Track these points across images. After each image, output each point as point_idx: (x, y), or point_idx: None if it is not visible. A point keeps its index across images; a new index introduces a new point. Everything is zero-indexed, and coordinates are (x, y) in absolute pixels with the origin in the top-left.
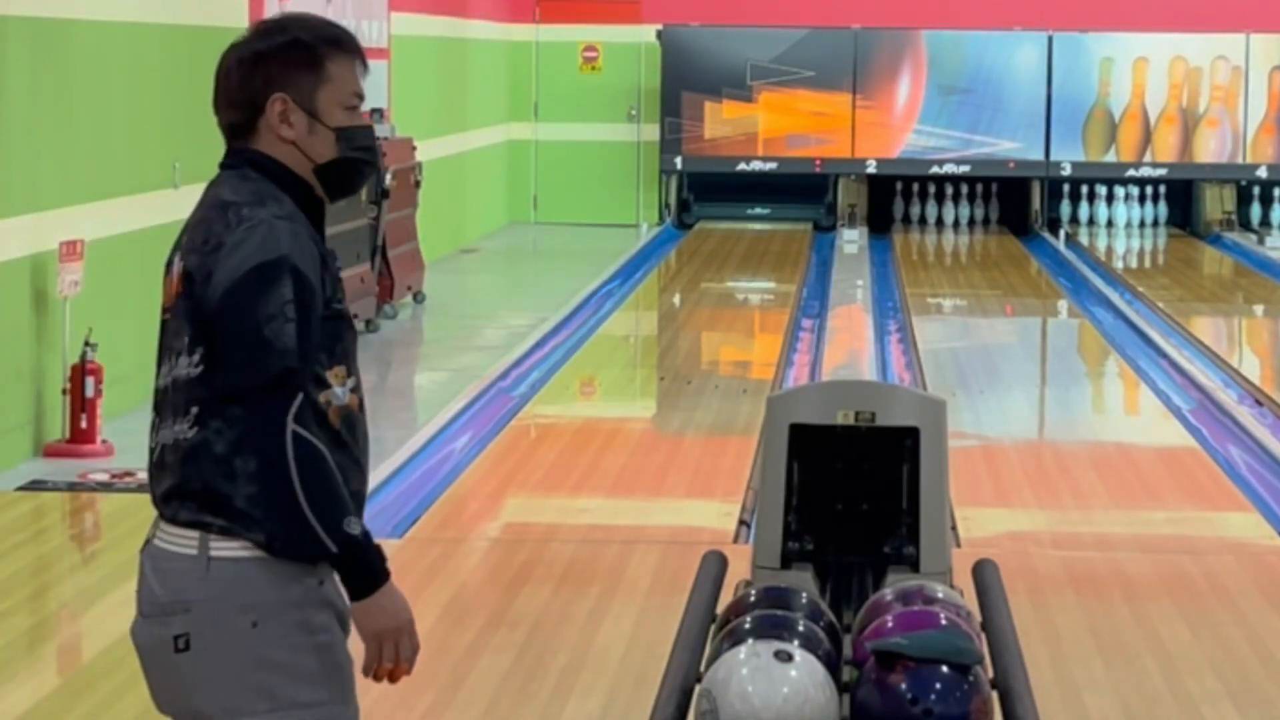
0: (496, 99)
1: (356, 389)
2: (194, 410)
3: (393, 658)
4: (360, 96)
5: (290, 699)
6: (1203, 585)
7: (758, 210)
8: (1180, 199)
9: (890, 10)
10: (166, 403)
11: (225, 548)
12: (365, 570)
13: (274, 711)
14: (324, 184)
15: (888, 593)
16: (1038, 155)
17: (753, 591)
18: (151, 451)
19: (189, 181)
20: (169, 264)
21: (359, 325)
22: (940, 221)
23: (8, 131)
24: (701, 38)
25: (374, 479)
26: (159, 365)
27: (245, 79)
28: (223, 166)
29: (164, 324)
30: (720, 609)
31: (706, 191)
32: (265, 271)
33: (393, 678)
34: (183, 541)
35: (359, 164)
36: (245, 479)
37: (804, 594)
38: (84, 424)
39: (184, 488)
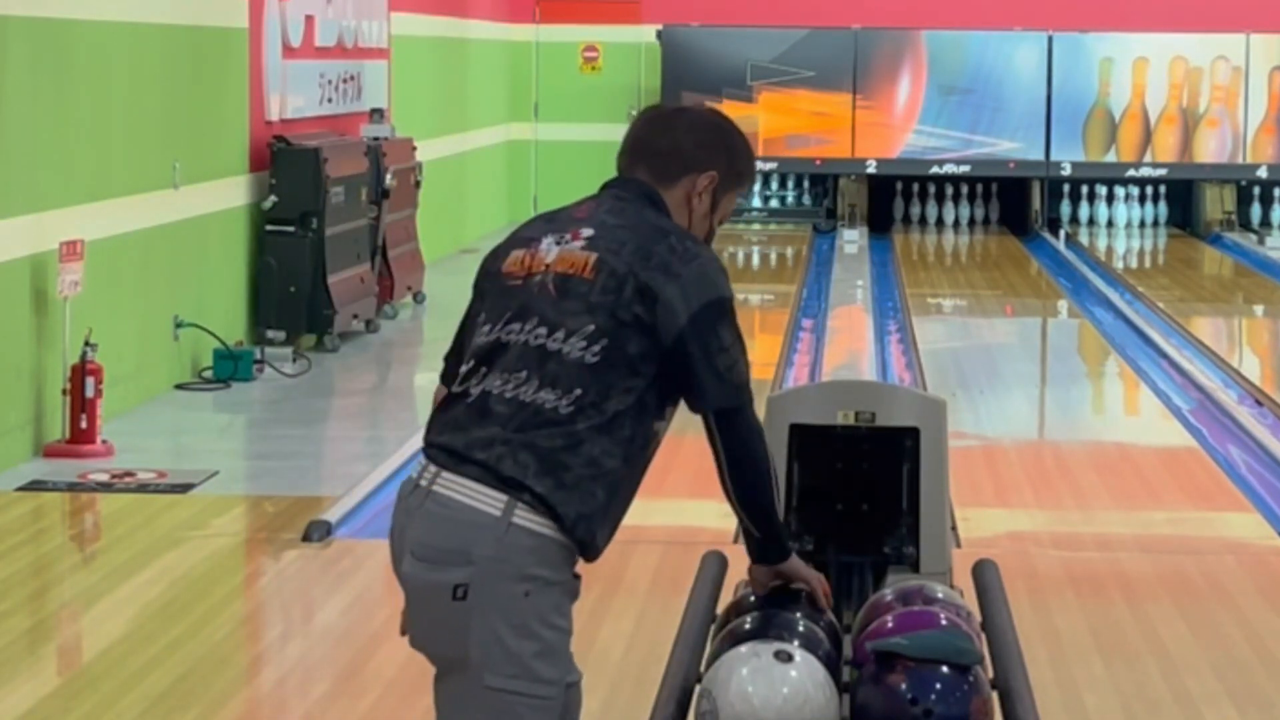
0: (496, 99)
1: None
2: (576, 392)
3: (816, 582)
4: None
5: (534, 672)
6: (1203, 585)
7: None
8: (1180, 199)
9: (890, 10)
10: (518, 360)
11: (528, 519)
12: (782, 543)
13: (518, 679)
14: None
15: (888, 593)
16: (1038, 155)
17: (752, 594)
18: (462, 396)
19: (189, 181)
20: (531, 240)
21: (359, 325)
22: (940, 221)
23: (8, 131)
24: (701, 38)
25: (374, 479)
26: (504, 322)
27: (700, 144)
28: (622, 188)
29: (531, 288)
30: (720, 609)
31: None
32: (724, 307)
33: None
34: (487, 500)
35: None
36: (587, 469)
37: (803, 594)
38: (84, 424)
39: (523, 445)
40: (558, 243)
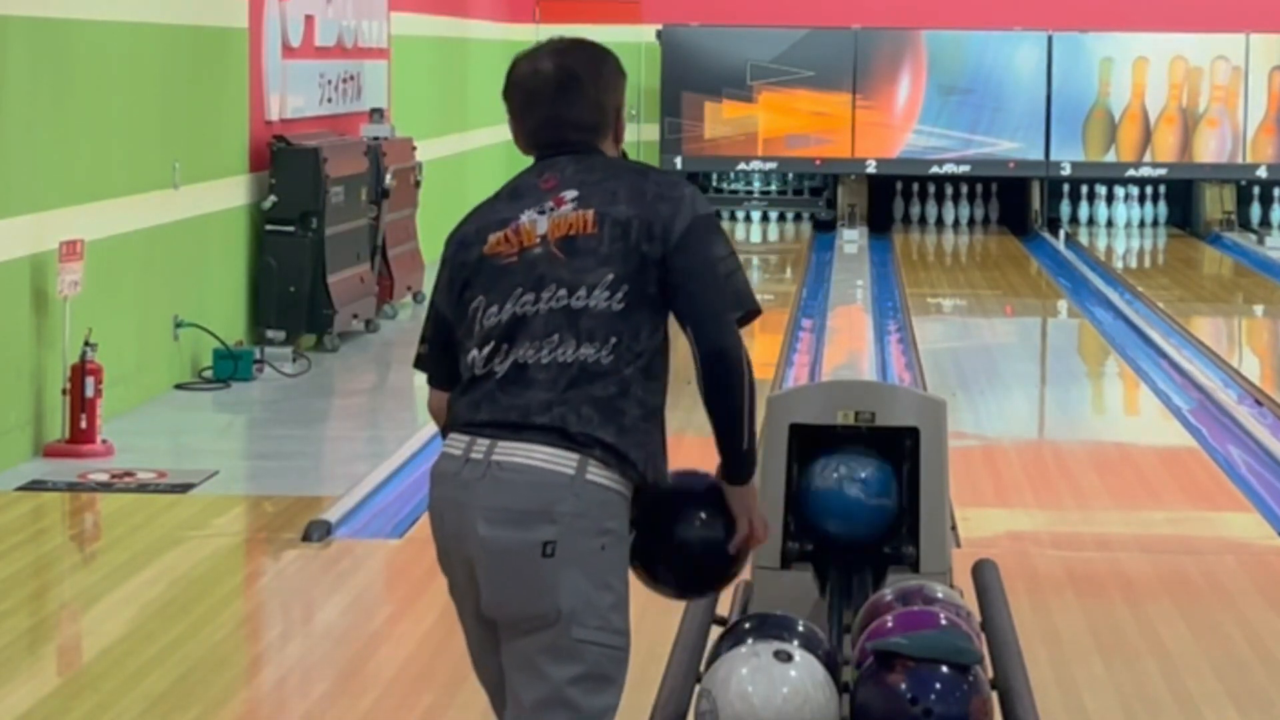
0: (496, 99)
1: None
2: (613, 340)
3: (762, 532)
4: None
5: (611, 624)
6: (1203, 585)
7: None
8: (1180, 199)
9: (890, 10)
10: (545, 327)
11: (599, 474)
12: (752, 463)
13: (600, 630)
14: None
15: (888, 593)
16: (1038, 155)
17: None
18: (488, 376)
19: (189, 181)
20: (506, 221)
21: (359, 325)
22: (940, 221)
23: (8, 131)
24: (701, 38)
25: (374, 479)
26: (513, 299)
27: (598, 90)
28: (571, 157)
29: (532, 260)
30: (720, 610)
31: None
32: (715, 223)
33: (748, 547)
34: (559, 460)
35: None
36: (639, 409)
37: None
38: (84, 424)
39: (581, 401)
40: (541, 213)
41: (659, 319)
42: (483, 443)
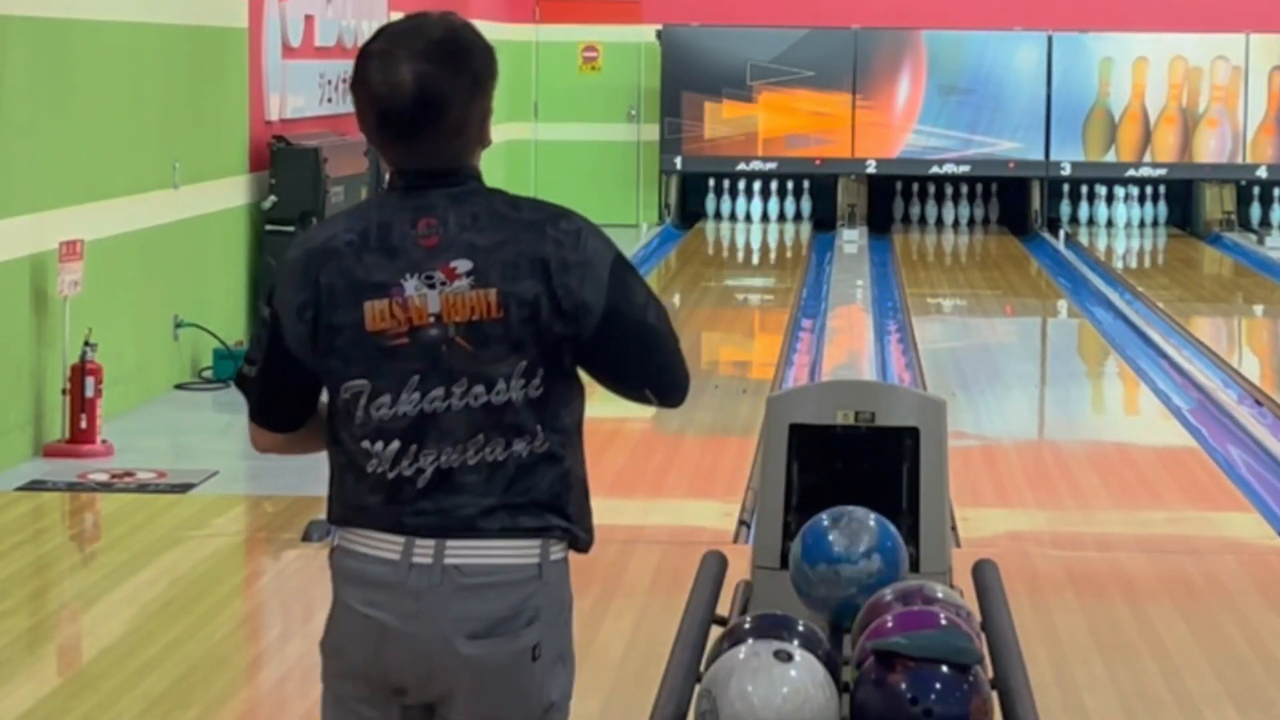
0: (496, 99)
1: None
2: (538, 428)
3: None
4: None
5: (569, 688)
6: (1203, 585)
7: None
8: (1180, 199)
9: (890, 10)
10: (466, 429)
11: (556, 550)
12: None
13: (567, 700)
14: None
15: (888, 593)
16: (1038, 155)
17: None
18: (410, 479)
19: (189, 181)
20: (386, 287)
21: None
22: (940, 221)
23: (8, 131)
24: (701, 38)
25: None
26: (415, 391)
27: (462, 90)
28: (443, 186)
29: (429, 347)
30: (720, 609)
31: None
32: (626, 264)
33: None
34: (524, 552)
35: None
36: (577, 484)
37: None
38: (84, 424)
39: (525, 500)
40: (430, 285)
41: (576, 386)
42: (425, 543)
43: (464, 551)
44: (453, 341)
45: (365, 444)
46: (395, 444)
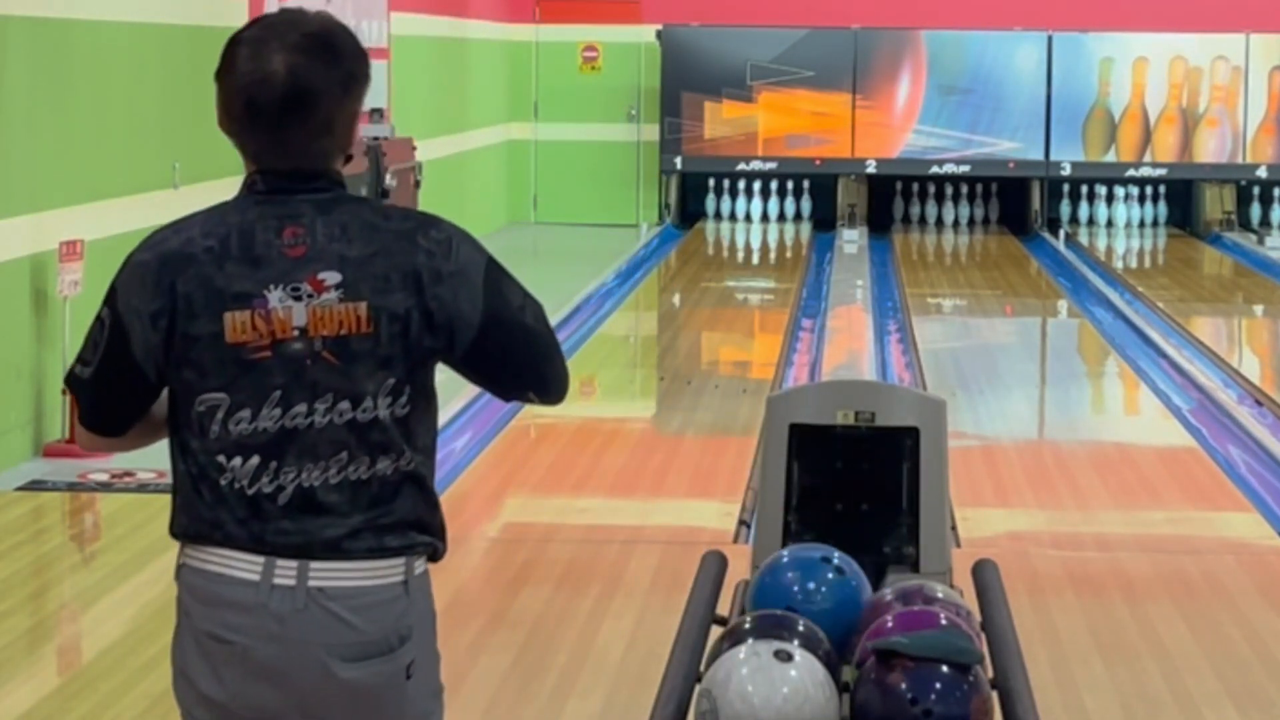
0: (496, 99)
1: None
2: (402, 445)
3: None
4: None
5: (439, 689)
6: (1203, 585)
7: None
8: (1180, 199)
9: (890, 10)
10: (330, 446)
11: (419, 565)
12: None
13: (437, 703)
14: None
15: (888, 593)
16: (1038, 155)
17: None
18: (270, 496)
19: (189, 182)
20: (248, 297)
21: None
22: (940, 221)
23: (8, 131)
24: (701, 38)
25: None
26: (277, 406)
27: (331, 89)
28: (307, 192)
29: (293, 360)
30: (720, 609)
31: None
32: (498, 269)
33: None
34: (388, 571)
35: None
36: (435, 501)
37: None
38: None
39: (389, 520)
40: (296, 297)
41: (435, 406)
42: (287, 565)
43: (329, 574)
44: (319, 356)
45: (220, 459)
46: (255, 459)
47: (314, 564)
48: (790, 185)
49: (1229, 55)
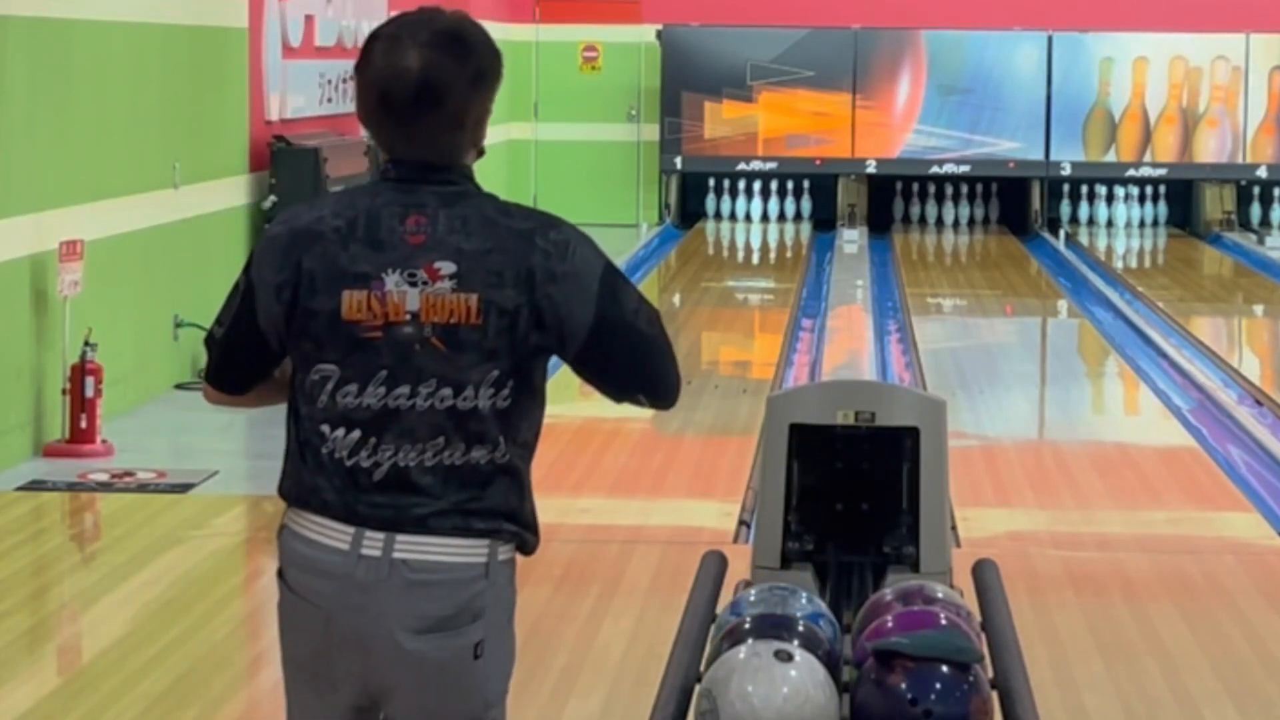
0: (496, 98)
1: None
2: (500, 438)
3: None
4: None
5: (506, 690)
6: (1203, 585)
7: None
8: (1180, 199)
9: (890, 10)
10: (430, 429)
11: (504, 551)
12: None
13: (504, 699)
14: None
15: (888, 593)
16: (1038, 155)
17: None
18: (366, 470)
19: (189, 181)
20: (366, 278)
21: None
22: (940, 221)
23: (8, 131)
24: (701, 38)
25: None
26: (382, 385)
27: (465, 85)
28: (435, 184)
29: (402, 343)
30: (720, 609)
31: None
32: (616, 274)
33: None
34: (472, 551)
35: None
36: (529, 495)
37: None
38: (84, 424)
39: (479, 506)
40: (411, 283)
41: (541, 402)
42: (375, 536)
43: (413, 546)
44: (427, 341)
45: (324, 428)
46: (356, 433)
47: (400, 536)
48: (790, 185)
49: (1229, 55)
